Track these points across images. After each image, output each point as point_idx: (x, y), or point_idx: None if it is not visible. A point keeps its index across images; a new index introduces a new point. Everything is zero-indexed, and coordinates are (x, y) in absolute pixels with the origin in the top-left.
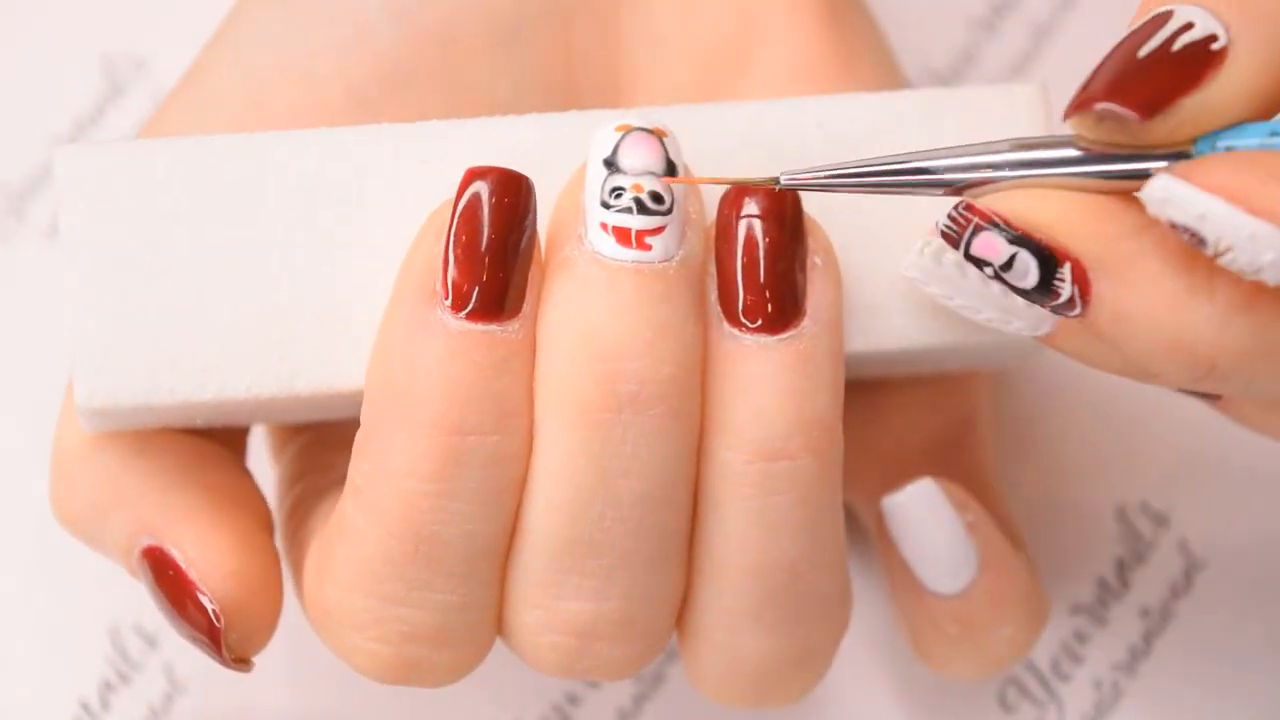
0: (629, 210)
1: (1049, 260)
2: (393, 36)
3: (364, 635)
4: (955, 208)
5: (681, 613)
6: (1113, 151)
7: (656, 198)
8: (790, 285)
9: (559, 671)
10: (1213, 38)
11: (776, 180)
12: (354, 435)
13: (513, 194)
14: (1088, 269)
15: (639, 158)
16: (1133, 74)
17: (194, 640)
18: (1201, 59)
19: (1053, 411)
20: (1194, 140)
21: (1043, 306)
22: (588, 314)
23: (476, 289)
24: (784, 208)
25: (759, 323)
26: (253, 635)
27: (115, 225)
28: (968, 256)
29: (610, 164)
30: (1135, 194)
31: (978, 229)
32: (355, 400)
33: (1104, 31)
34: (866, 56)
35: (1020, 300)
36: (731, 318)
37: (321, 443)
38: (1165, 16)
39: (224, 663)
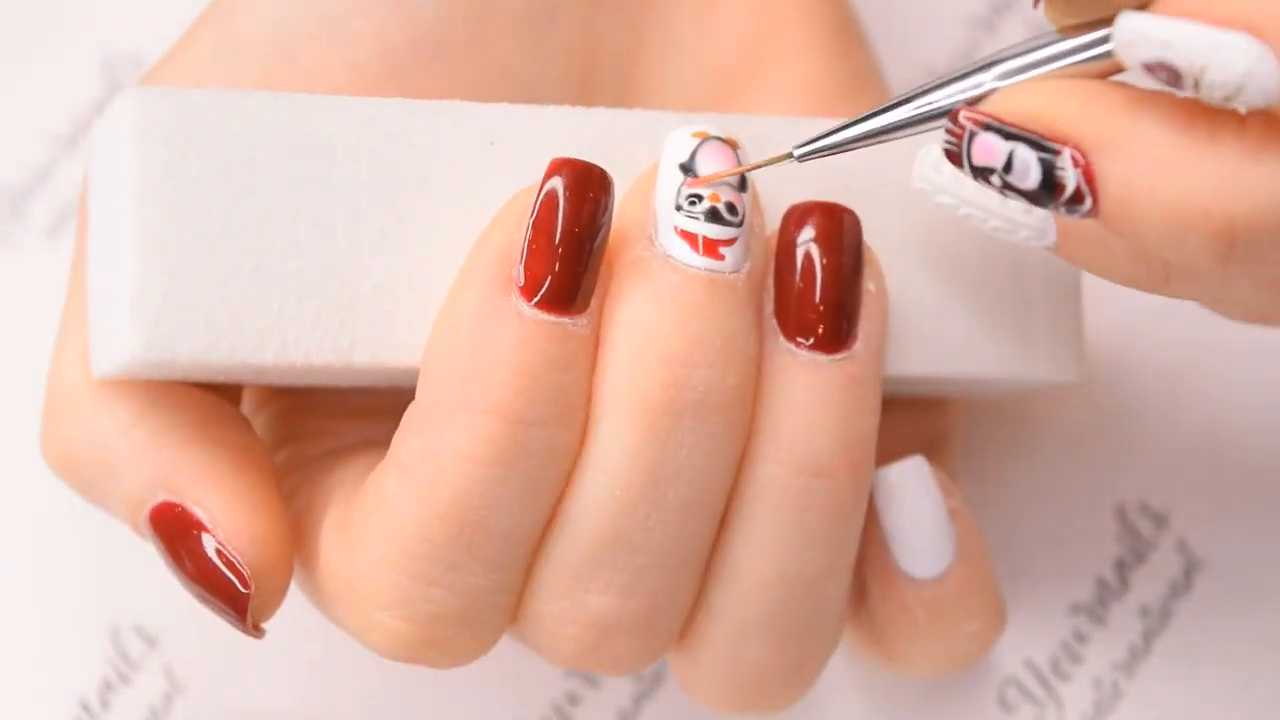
0: (705, 218)
1: (1047, 151)
2: (430, 5)
3: (389, 612)
4: (949, 118)
5: (690, 612)
6: (1090, 31)
7: (731, 208)
8: (847, 308)
9: (569, 663)
10: None
11: (790, 155)
12: (340, 403)
13: (595, 189)
14: (1087, 151)
15: (718, 166)
16: None
17: (209, 603)
18: None
19: (1052, 411)
20: None
21: (1052, 206)
22: (658, 316)
23: (552, 280)
24: (845, 230)
25: (814, 341)
26: (270, 600)
27: (182, 174)
28: (972, 169)
29: (687, 169)
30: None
31: (972, 135)
32: (409, 376)
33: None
34: (867, 79)
35: (1026, 206)
36: (788, 333)
37: (303, 408)
38: None
39: (244, 629)
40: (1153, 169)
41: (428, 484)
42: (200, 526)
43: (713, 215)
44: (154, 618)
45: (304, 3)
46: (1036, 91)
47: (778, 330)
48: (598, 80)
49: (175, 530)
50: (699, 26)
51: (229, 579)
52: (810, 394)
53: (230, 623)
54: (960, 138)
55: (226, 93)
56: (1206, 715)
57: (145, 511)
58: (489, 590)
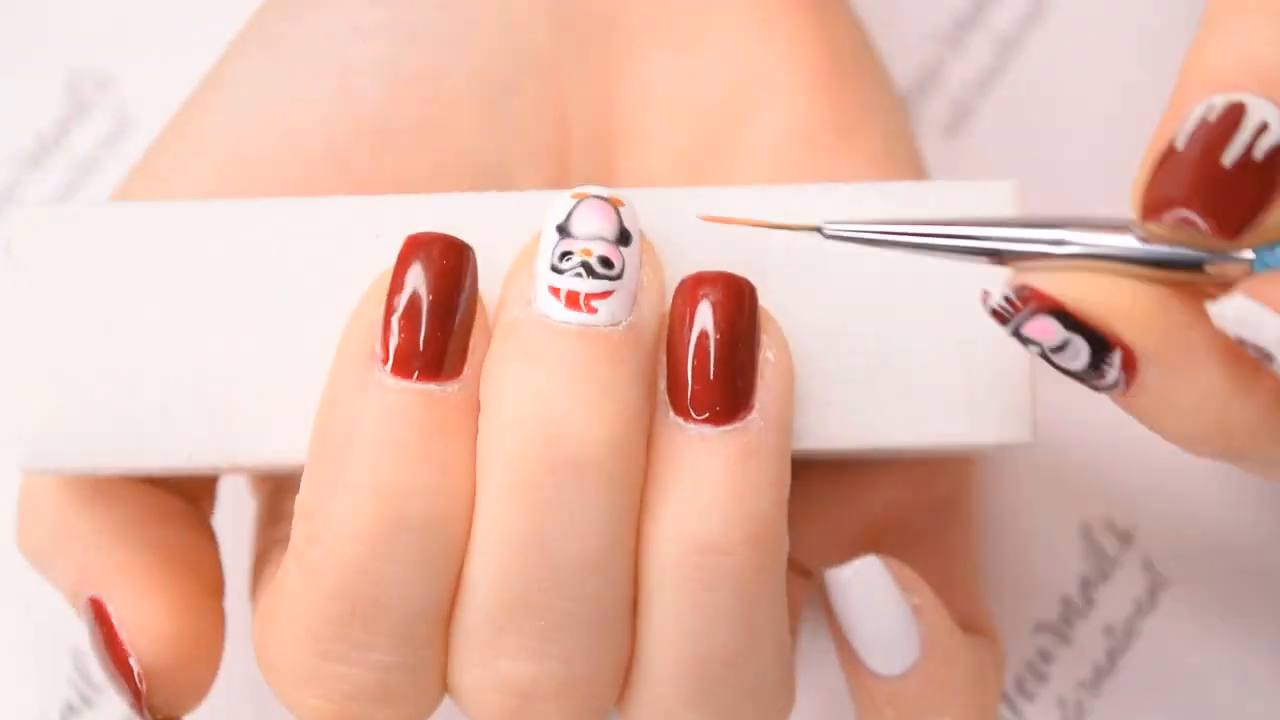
0: (576, 273)
1: (1101, 346)
2: (378, 91)
3: (307, 691)
4: (1015, 289)
5: (623, 687)
6: (1173, 246)
7: (605, 262)
8: (738, 378)
9: None
10: None
11: (819, 229)
12: None
13: (451, 258)
14: (1139, 358)
15: (591, 223)
16: (1219, 186)
17: (120, 695)
18: None
19: None
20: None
21: (1083, 383)
22: (529, 374)
23: (414, 349)
24: (739, 299)
25: (704, 414)
26: (181, 699)
27: (66, 290)
28: (1018, 335)
29: (562, 229)
30: (1205, 306)
31: (1035, 312)
32: (298, 471)
33: (1069, 46)
34: (866, 123)
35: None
36: (677, 407)
37: (285, 488)
38: (1239, 111)
39: None
40: (1193, 394)
41: (317, 566)
42: (110, 624)
43: (585, 270)
44: None
45: (254, 101)
46: (1107, 288)
47: (669, 403)
48: (573, 148)
49: (101, 627)
50: (679, 73)
51: (129, 675)
52: (700, 469)
53: (135, 713)
54: (1019, 310)
55: (105, 206)
56: None
57: (82, 602)
58: (400, 666)
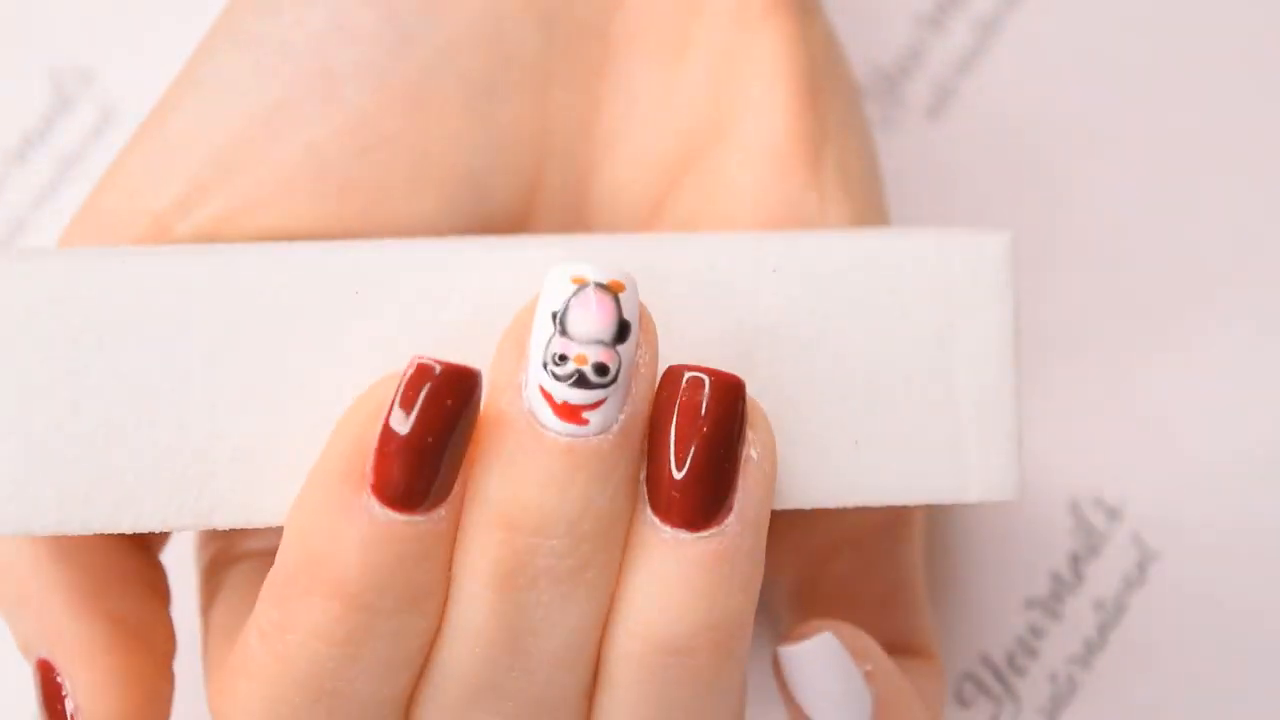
0: (570, 382)
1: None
2: (360, 95)
3: None
4: None
5: None
6: None
7: (601, 369)
8: (718, 486)
9: None
10: None
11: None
12: None
13: (455, 394)
14: None
15: (589, 325)
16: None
17: None
18: None
19: None
20: None
21: None
22: (513, 479)
23: (407, 487)
24: (727, 402)
25: (680, 519)
26: None
27: (33, 346)
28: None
29: (559, 321)
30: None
31: None
32: (276, 530)
33: (1050, 27)
34: (833, 140)
35: None
36: (655, 506)
37: None
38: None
39: None
40: None
41: (283, 654)
42: (61, 698)
43: (579, 380)
44: None
45: (233, 98)
46: None
47: (646, 499)
48: (554, 156)
49: (48, 690)
50: (660, 84)
51: None
52: (671, 572)
53: None
54: None
55: (79, 253)
56: (1163, 707)
57: (33, 659)
58: None
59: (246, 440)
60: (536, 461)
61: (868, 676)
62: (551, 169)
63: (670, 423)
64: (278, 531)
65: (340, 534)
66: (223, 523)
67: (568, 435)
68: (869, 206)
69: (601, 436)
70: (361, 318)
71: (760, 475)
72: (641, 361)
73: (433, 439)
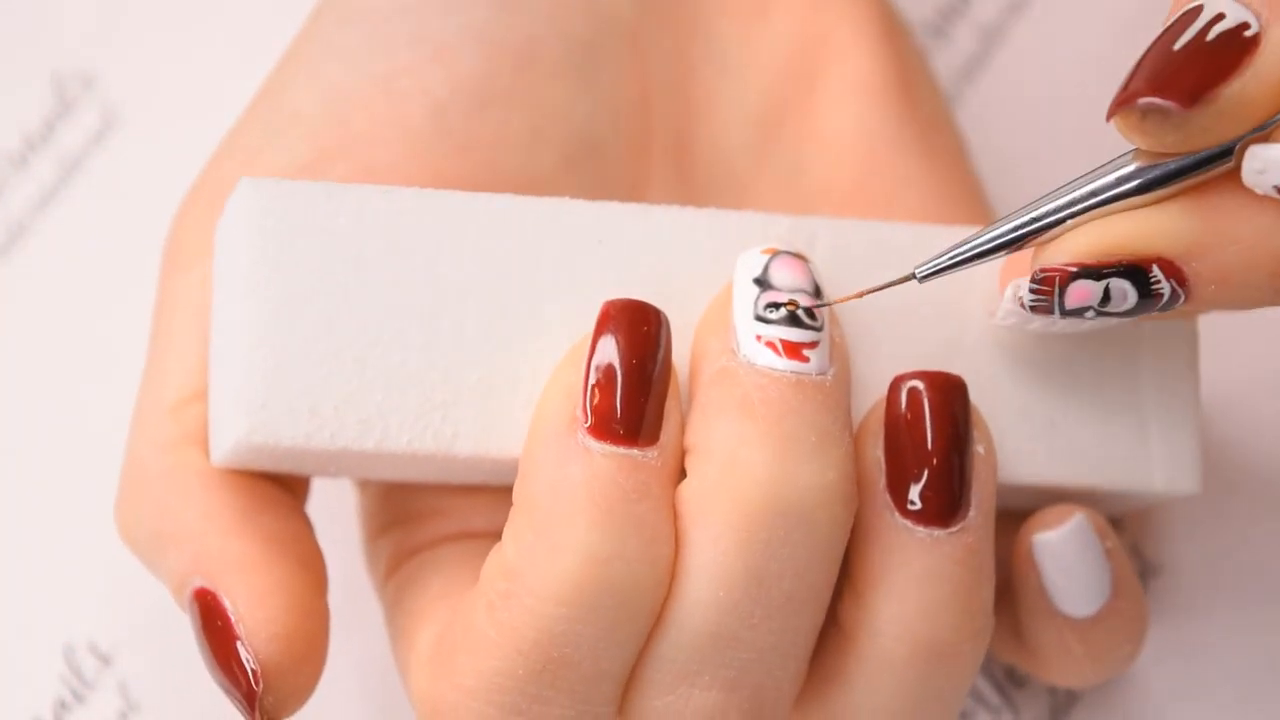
0: (786, 323)
1: (1139, 275)
2: (472, 57)
3: None
4: (1034, 279)
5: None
6: (1162, 164)
7: (810, 314)
8: (960, 481)
9: None
10: (1245, 25)
11: (913, 276)
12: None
13: (647, 323)
14: (1176, 259)
15: (790, 277)
16: (1171, 67)
17: (227, 692)
18: (1236, 45)
19: None
20: (1234, 143)
21: (1151, 317)
22: (746, 422)
23: (614, 414)
24: (956, 402)
25: (930, 517)
26: (289, 699)
27: (292, 265)
28: (1065, 312)
29: (761, 282)
30: (1240, 178)
31: (1064, 284)
32: (509, 469)
33: (1053, 35)
34: (919, 80)
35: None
36: (902, 509)
37: (408, 485)
38: (1195, 11)
39: None
40: (1244, 254)
41: (511, 623)
42: (226, 618)
43: (793, 320)
44: (108, 635)
45: (350, 67)
46: (1114, 224)
47: (892, 505)
48: (654, 111)
49: (207, 617)
50: (746, 40)
51: (242, 673)
52: (931, 571)
53: (242, 714)
54: (1051, 292)
55: (336, 186)
56: (1162, 717)
57: (187, 592)
58: (575, 718)
59: (490, 373)
60: (768, 394)
61: (1107, 554)
62: (657, 127)
63: (905, 429)
64: (465, 513)
65: (563, 478)
66: (464, 450)
67: (793, 371)
68: (956, 140)
69: (821, 376)
70: (602, 266)
71: (988, 469)
72: (834, 332)
73: (636, 361)
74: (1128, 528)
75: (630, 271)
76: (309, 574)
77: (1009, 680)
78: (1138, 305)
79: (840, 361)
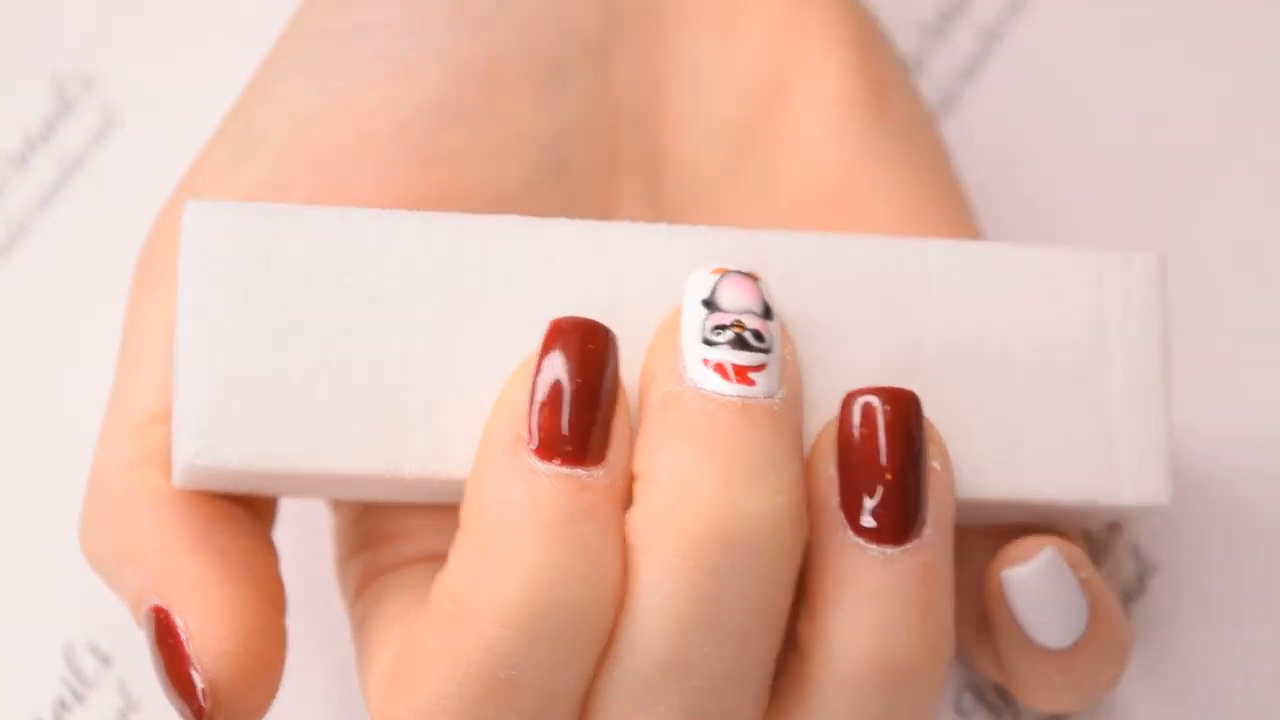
0: (733, 345)
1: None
2: (437, 74)
3: None
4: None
5: None
6: None
7: (758, 335)
8: (915, 497)
9: None
10: None
11: None
12: (415, 504)
13: (595, 342)
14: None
15: (738, 298)
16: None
17: (180, 710)
18: None
19: None
20: None
21: None
22: (691, 450)
23: (560, 434)
24: (908, 416)
25: (884, 535)
26: (242, 716)
27: (237, 286)
28: None
29: (709, 304)
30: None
31: None
32: (458, 489)
33: (1053, 35)
34: (896, 89)
35: None
36: (856, 527)
37: (375, 510)
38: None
39: None
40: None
41: (457, 645)
42: (177, 636)
43: (739, 342)
44: (108, 635)
45: (315, 83)
46: None
47: (845, 524)
48: (623, 127)
49: (160, 634)
50: (719, 53)
51: (193, 692)
52: (882, 590)
53: None
54: None
55: (282, 207)
56: (1162, 719)
57: (144, 611)
58: None
59: (438, 393)
60: (714, 421)
61: (1082, 585)
62: (625, 143)
63: (858, 446)
64: (429, 535)
65: (507, 497)
66: (411, 471)
67: (738, 395)
68: (935, 148)
69: (769, 399)
70: (551, 283)
71: (944, 483)
72: (785, 351)
73: (582, 380)
74: (1128, 528)
75: (580, 289)
76: (263, 594)
77: None
78: None
79: (791, 382)
